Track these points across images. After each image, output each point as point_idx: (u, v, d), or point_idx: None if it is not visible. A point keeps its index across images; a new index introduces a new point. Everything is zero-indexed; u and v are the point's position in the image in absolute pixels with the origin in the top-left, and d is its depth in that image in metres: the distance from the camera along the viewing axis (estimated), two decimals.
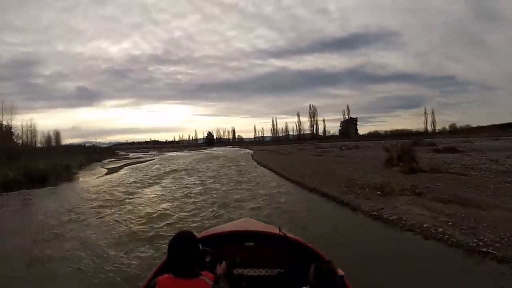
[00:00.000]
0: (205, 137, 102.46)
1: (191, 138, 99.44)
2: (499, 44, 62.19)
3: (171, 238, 1.53)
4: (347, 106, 75.51)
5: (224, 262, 1.94)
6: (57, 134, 39.49)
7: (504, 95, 64.39)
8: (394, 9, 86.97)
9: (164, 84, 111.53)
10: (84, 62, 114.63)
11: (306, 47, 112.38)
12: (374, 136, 64.57)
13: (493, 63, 63.46)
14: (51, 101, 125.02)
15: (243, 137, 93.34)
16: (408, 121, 70.06)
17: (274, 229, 2.56)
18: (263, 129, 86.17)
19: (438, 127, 63.41)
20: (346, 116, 75.09)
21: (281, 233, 2.39)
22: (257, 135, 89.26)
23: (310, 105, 77.40)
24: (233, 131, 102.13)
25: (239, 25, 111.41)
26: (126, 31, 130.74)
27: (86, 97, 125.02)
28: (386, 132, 65.45)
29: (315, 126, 76.12)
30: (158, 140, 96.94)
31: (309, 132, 75.84)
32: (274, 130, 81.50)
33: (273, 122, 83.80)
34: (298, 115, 78.11)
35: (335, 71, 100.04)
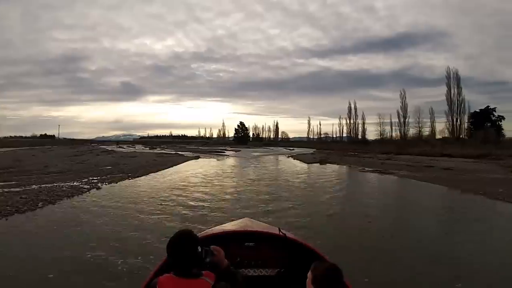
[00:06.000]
0: (234, 134, 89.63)
1: (220, 135, 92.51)
2: None
3: (170, 237, 1.51)
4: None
5: (222, 250, 1.80)
6: None
7: None
8: (445, 8, 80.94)
9: (205, 81, 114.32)
10: (128, 58, 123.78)
11: (351, 47, 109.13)
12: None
13: None
14: (96, 94, 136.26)
15: (290, 136, 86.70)
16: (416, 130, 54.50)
17: (274, 229, 2.59)
18: (313, 130, 78.07)
19: None
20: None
21: (281, 233, 2.43)
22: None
23: (350, 106, 64.73)
24: (276, 127, 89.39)
25: (282, 23, 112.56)
26: (170, 29, 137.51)
27: (129, 91, 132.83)
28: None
29: (359, 128, 65.71)
30: (184, 135, 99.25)
31: (347, 135, 67.96)
32: (312, 131, 77.38)
33: (309, 123, 77.57)
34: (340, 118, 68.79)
35: (380, 72, 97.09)
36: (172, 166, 20.06)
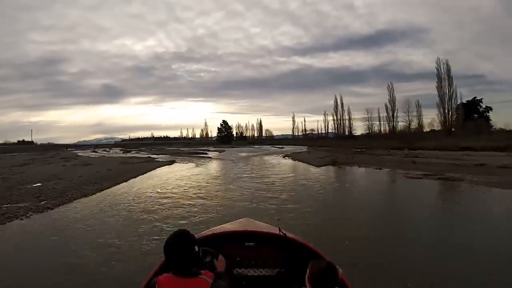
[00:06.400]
0: (218, 134, 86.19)
1: (203, 135, 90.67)
2: None
3: (167, 238, 1.52)
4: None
5: (221, 257, 1.94)
6: None
7: None
8: (423, 5, 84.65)
9: (187, 82, 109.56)
10: (109, 60, 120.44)
11: (331, 44, 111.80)
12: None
13: None
14: (76, 97, 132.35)
15: (274, 134, 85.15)
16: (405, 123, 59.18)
17: (274, 229, 2.56)
18: (298, 126, 78.93)
19: None
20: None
21: (281, 233, 2.42)
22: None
23: (336, 102, 65.30)
24: (260, 125, 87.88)
25: (263, 21, 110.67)
26: (150, 29, 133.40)
27: (110, 94, 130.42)
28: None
29: (346, 123, 66.06)
30: (167, 136, 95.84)
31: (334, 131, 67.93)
32: (296, 128, 77.87)
33: (293, 119, 78.23)
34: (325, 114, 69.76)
35: (360, 68, 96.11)
36: (128, 180, 14.03)
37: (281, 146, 57.54)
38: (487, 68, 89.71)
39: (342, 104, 65.75)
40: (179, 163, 25.08)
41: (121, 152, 50.82)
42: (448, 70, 51.16)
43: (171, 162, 24.98)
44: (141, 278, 2.06)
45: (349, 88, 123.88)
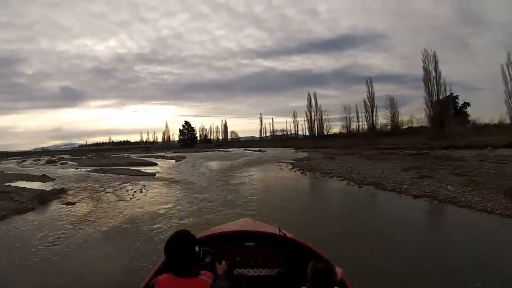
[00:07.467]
0: (179, 137, 77.48)
1: (165, 139, 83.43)
2: (482, 47, 64.14)
3: (167, 238, 1.51)
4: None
5: (224, 261, 1.94)
6: None
7: (486, 96, 65.22)
8: (383, 12, 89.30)
9: (150, 84, 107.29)
10: (68, 61, 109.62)
11: (294, 48, 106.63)
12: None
13: (476, 66, 66.83)
14: (34, 101, 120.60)
15: (240, 135, 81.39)
16: (387, 120, 64.45)
17: (274, 229, 2.57)
18: (265, 128, 76.95)
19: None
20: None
21: (281, 233, 2.44)
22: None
23: (310, 100, 63.16)
24: (225, 127, 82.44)
25: (228, 24, 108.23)
26: (113, 29, 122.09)
27: (69, 97, 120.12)
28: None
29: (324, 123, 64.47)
30: (127, 141, 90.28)
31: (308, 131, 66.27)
32: (264, 129, 75.41)
33: (261, 120, 75.00)
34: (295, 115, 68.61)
35: (322, 71, 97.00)
36: None
37: (258, 149, 45.87)
38: (442, 72, 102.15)
39: (316, 103, 62.67)
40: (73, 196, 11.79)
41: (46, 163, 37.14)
42: (436, 62, 47.15)
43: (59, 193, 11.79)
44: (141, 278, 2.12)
45: (311, 90, 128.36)
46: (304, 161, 21.66)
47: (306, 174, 15.74)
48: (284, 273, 2.28)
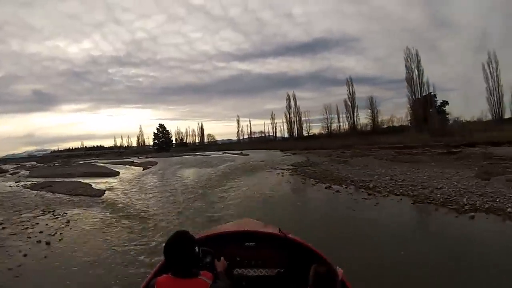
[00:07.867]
0: (154, 140, 72.73)
1: (140, 143, 79.93)
2: (451, 49, 68.85)
3: (167, 239, 1.49)
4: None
5: (223, 259, 1.91)
6: None
7: (456, 95, 73.77)
8: (357, 16, 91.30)
9: (125, 87, 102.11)
10: (40, 63, 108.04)
11: (270, 51, 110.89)
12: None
13: (446, 67, 72.13)
14: (4, 105, 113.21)
15: (217, 138, 79.82)
16: (368, 120, 68.32)
17: (274, 229, 2.56)
18: (243, 130, 76.33)
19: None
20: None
21: (281, 233, 2.44)
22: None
23: (289, 101, 62.58)
24: (202, 130, 79.85)
25: (204, 27, 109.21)
26: (86, 30, 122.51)
27: (41, 101, 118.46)
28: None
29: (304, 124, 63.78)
30: (101, 146, 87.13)
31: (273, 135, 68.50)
32: (241, 132, 74.21)
33: (238, 123, 74.14)
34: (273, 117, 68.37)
35: (297, 74, 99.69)
36: None
37: (239, 152, 42.13)
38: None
39: (295, 104, 62.00)
40: None
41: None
42: (418, 61, 46.92)
43: None
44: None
45: (290, 91, 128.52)
46: (309, 167, 17.44)
47: (339, 192, 10.20)
48: (284, 273, 2.29)
